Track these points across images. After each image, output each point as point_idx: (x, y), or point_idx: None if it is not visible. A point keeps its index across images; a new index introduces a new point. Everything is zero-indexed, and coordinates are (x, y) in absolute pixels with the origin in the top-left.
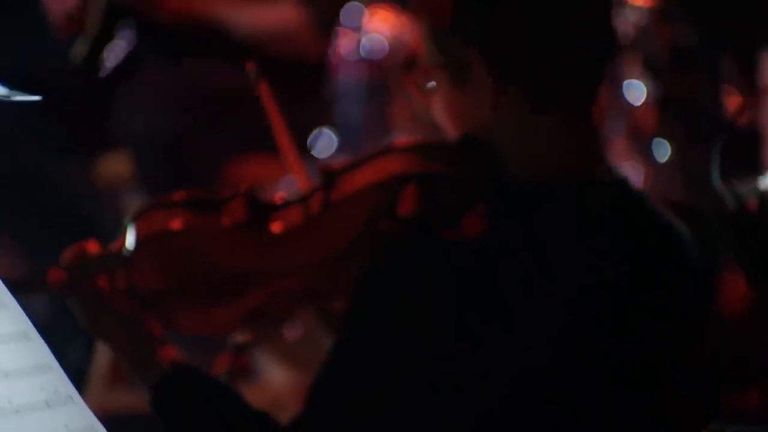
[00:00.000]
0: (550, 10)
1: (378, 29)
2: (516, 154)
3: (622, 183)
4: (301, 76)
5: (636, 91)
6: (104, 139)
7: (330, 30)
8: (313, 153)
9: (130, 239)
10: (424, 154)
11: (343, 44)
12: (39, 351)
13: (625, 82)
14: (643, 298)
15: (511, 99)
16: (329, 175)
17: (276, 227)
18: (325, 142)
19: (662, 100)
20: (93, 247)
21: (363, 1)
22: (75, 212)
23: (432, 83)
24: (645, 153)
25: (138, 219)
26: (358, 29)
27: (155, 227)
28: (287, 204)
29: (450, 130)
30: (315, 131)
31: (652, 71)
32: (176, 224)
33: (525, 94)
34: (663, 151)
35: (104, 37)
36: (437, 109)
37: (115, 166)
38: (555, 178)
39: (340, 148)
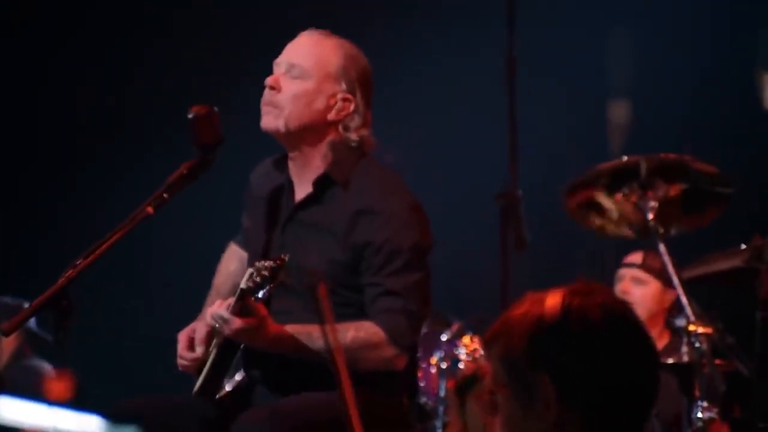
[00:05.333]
0: (616, 349)
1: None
2: None
3: None
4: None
5: (698, 413)
6: None
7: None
8: None
9: None
10: None
11: (432, 365)
12: None
13: (690, 404)
14: None
15: (570, 423)
16: None
17: None
18: None
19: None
20: None
21: (455, 335)
22: None
23: (495, 402)
24: None
25: None
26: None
27: None
28: None
29: None
30: None
31: (710, 396)
32: None
33: (584, 420)
34: None
35: (222, 367)
36: (497, 428)
37: None
38: None
39: None
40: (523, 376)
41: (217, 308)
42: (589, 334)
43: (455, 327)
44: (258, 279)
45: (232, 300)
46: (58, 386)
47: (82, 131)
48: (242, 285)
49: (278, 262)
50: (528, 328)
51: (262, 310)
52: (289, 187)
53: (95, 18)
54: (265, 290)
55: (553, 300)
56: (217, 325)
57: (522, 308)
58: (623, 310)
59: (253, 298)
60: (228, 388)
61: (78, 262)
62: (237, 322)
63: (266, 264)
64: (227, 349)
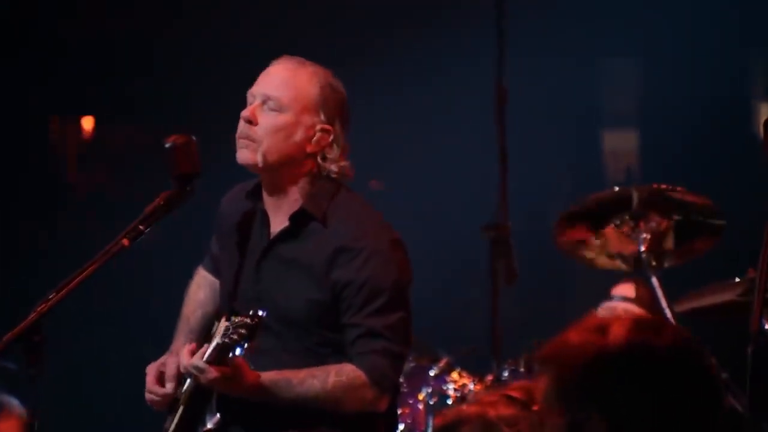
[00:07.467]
0: (680, 392)
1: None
2: None
3: None
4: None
5: None
6: None
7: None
8: None
9: None
10: None
11: (420, 401)
12: None
13: None
14: None
15: None
16: None
17: None
18: None
19: None
20: None
21: (443, 371)
22: None
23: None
24: None
25: None
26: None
27: None
28: None
29: None
30: None
31: None
32: None
33: None
34: None
35: (194, 413)
36: None
37: None
38: None
39: None
40: (574, 405)
41: (192, 358)
42: (653, 374)
43: (443, 362)
44: (235, 336)
45: (206, 348)
46: (6, 426)
47: (62, 160)
48: (218, 339)
49: (255, 320)
50: (586, 357)
51: (239, 358)
52: (263, 218)
53: (76, 55)
54: (243, 348)
55: (617, 331)
56: (192, 375)
57: (582, 335)
58: (695, 350)
59: (231, 355)
60: (202, 431)
61: (50, 296)
62: (213, 372)
63: (244, 321)
64: (200, 394)
